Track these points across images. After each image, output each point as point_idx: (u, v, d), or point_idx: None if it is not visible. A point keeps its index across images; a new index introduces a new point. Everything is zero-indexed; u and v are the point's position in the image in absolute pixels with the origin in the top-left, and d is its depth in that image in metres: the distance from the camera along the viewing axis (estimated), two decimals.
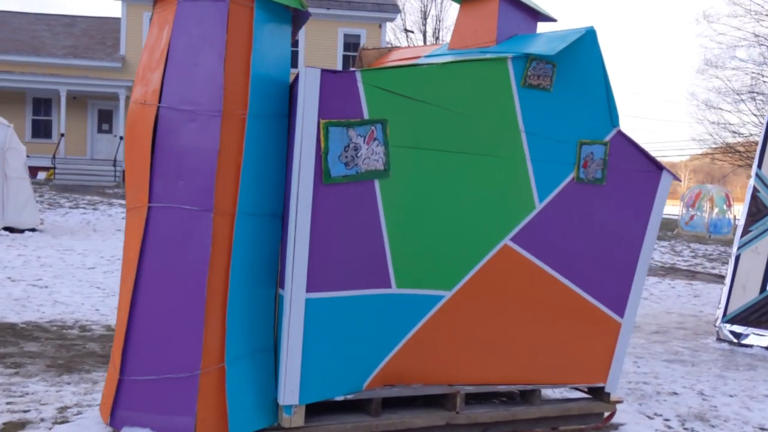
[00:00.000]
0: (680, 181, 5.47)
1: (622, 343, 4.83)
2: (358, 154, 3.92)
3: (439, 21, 46.95)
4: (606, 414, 4.90)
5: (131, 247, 3.80)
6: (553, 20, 5.01)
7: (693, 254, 19.86)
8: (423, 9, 47.37)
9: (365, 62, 5.57)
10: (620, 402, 4.91)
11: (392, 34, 44.83)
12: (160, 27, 3.88)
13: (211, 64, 3.70)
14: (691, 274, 15.82)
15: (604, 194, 4.62)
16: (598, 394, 4.90)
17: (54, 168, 26.08)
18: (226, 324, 3.69)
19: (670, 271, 16.14)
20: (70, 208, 19.03)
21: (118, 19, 31.43)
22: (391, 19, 34.06)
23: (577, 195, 4.55)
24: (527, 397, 4.64)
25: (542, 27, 4.84)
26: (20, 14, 32.36)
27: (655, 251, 19.54)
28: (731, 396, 5.96)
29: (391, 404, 4.32)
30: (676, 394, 5.93)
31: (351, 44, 34.16)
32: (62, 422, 4.18)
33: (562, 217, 4.53)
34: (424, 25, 46.86)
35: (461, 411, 4.36)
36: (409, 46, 5.52)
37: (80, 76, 27.83)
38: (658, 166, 4.76)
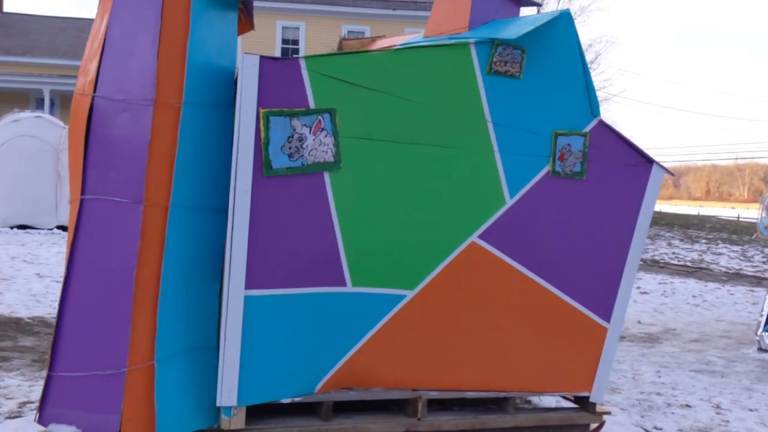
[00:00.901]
0: (673, 175, 5.05)
1: (608, 349, 4.47)
2: (304, 145, 3.74)
3: None
4: (593, 426, 4.56)
5: (69, 240, 3.71)
6: (537, 5, 4.71)
7: (765, 259, 18.82)
8: None
9: None
10: (607, 413, 4.55)
11: None
12: (101, 16, 3.78)
13: (145, 52, 3.58)
14: (756, 281, 14.95)
15: (584, 190, 4.29)
16: (583, 404, 4.56)
17: None
18: (157, 320, 3.56)
19: (733, 277, 15.30)
20: None
21: None
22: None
23: (554, 190, 4.24)
24: (501, 404, 4.35)
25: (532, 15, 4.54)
26: (86, 20, 33.34)
27: (721, 256, 18.63)
28: (750, 410, 5.50)
29: (350, 409, 4.12)
30: (688, 406, 5.50)
31: None
32: (15, 417, 4.14)
33: (537, 213, 4.23)
34: None
35: (423, 417, 4.11)
36: (394, 35, 5.29)
37: None
38: (647, 160, 4.39)
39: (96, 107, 3.61)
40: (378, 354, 4.10)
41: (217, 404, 3.66)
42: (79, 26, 31.62)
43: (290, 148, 3.71)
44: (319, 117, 3.76)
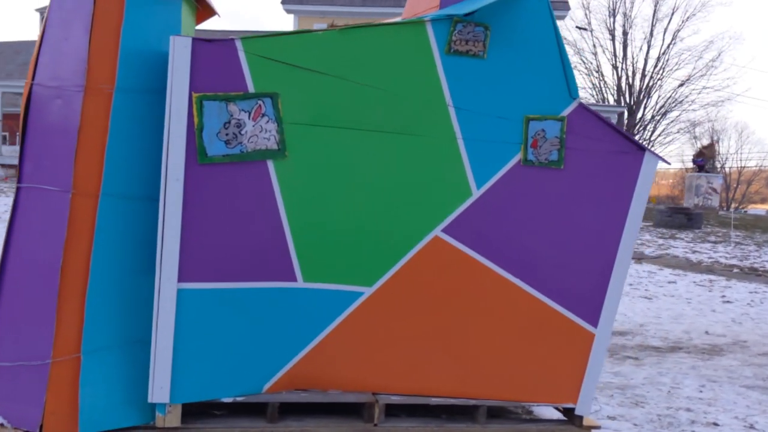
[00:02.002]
0: (669, 164, 4.54)
1: (596, 357, 4.05)
2: (242, 132, 3.56)
3: (627, 18, 44.74)
4: None
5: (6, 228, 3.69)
6: None
7: None
8: (611, 6, 45.35)
9: None
10: (597, 427, 4.12)
11: (563, 32, 43.24)
12: (50, 6, 3.74)
13: (78, 38, 3.51)
14: None
15: (563, 180, 3.90)
16: (570, 416, 4.14)
17: None
18: (85, 312, 3.46)
19: None
20: None
21: None
22: (561, 17, 32.79)
23: (527, 180, 3.88)
24: (471, 413, 4.01)
25: None
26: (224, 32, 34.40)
27: None
28: None
29: (305, 411, 3.90)
30: (715, 425, 4.95)
31: None
32: None
33: (509, 206, 3.88)
34: (613, 22, 44.81)
35: (380, 424, 3.84)
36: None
37: None
38: (638, 147, 3.95)
39: (33, 95, 3.57)
40: (335, 354, 3.86)
41: (149, 400, 3.53)
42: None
43: (227, 134, 3.54)
44: (259, 102, 3.57)
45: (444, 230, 3.85)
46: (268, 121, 3.60)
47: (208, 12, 4.16)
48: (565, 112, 3.85)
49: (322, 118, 3.67)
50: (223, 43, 3.52)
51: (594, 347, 4.04)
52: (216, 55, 3.51)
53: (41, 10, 31.43)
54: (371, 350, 3.90)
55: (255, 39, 3.57)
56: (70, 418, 3.44)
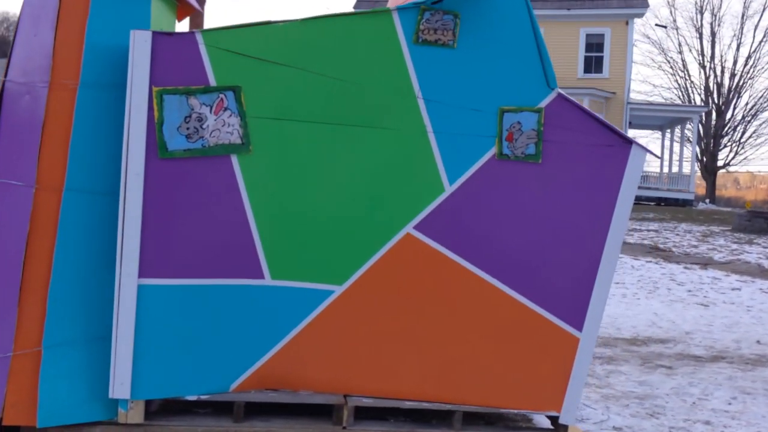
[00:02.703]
0: (658, 157, 4.23)
1: (581, 362, 3.83)
2: (204, 126, 3.52)
3: (715, 15, 43.22)
4: None
5: None
6: None
7: None
8: (699, 3, 43.90)
9: None
10: None
11: (641, 31, 42.09)
12: (23, 1, 3.80)
13: (45, 33, 3.55)
14: None
15: (542, 175, 3.71)
16: (556, 425, 3.93)
17: None
18: (47, 306, 3.48)
19: None
20: None
21: None
22: (640, 15, 31.93)
23: (503, 175, 3.70)
24: (446, 418, 3.85)
25: None
26: None
27: None
28: None
29: (274, 411, 3.82)
30: None
31: (594, 44, 32.52)
32: None
33: (484, 202, 3.71)
34: (700, 19, 43.35)
35: (349, 426, 3.72)
36: None
37: None
38: (625, 140, 3.72)
39: (5, 91, 3.62)
40: (305, 354, 3.78)
41: (109, 396, 3.52)
42: None
43: (188, 128, 3.51)
44: (221, 95, 3.53)
45: (416, 227, 3.71)
46: (230, 115, 3.55)
47: (189, 9, 4.15)
48: (543, 104, 3.66)
49: (288, 111, 3.60)
50: (184, 36, 3.50)
51: (579, 352, 3.82)
52: (176, 48, 3.49)
53: None
54: (343, 350, 3.79)
55: (216, 31, 3.53)
56: (31, 410, 3.46)
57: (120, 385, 3.52)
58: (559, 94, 3.66)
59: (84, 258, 3.56)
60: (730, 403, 5.52)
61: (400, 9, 3.56)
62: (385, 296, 3.76)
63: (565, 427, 3.87)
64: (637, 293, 10.87)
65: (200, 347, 3.64)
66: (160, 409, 3.70)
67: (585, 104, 29.95)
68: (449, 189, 3.69)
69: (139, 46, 3.44)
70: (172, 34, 3.49)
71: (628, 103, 32.23)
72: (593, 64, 32.74)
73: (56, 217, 3.51)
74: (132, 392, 3.53)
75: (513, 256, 3.75)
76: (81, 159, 3.53)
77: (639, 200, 27.00)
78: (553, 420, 3.93)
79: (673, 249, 16.38)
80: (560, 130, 3.67)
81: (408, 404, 3.80)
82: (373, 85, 3.61)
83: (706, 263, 14.15)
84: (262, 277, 3.69)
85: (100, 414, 3.59)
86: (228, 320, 3.67)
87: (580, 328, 3.80)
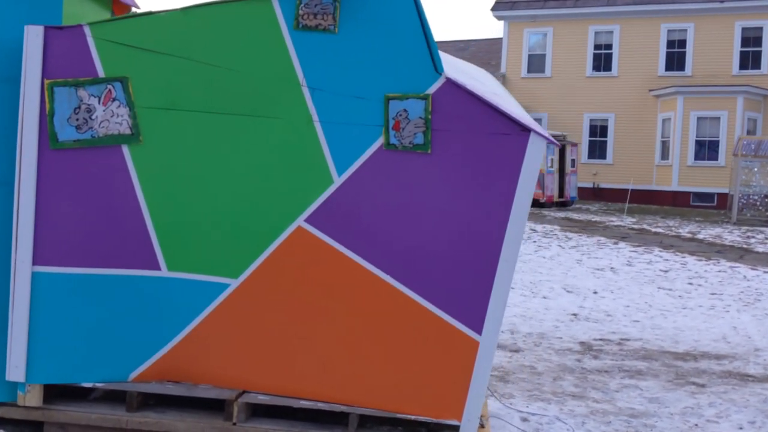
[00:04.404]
0: (558, 145, 3.76)
1: (481, 368, 3.54)
2: (93, 117, 3.60)
3: None
4: None
5: None
6: None
7: None
8: None
9: None
10: None
11: None
12: None
13: None
14: None
15: (431, 166, 3.48)
16: None
17: None
18: None
19: None
20: None
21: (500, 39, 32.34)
22: None
23: (391, 166, 3.51)
24: (342, 420, 3.68)
25: None
26: None
27: None
28: None
29: (173, 403, 3.81)
30: None
31: (750, 39, 30.20)
32: None
33: (373, 195, 3.54)
34: None
35: (239, 423, 3.66)
36: None
37: None
38: (522, 128, 3.40)
39: None
40: (204, 347, 3.77)
41: (6, 378, 3.66)
42: None
43: (77, 119, 3.60)
44: (109, 86, 3.59)
45: (307, 220, 3.60)
46: (119, 106, 3.60)
47: (125, 7, 4.24)
48: (430, 90, 3.43)
49: (175, 101, 3.60)
50: (73, 29, 3.58)
51: (479, 357, 3.53)
52: (66, 41, 3.58)
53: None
54: (240, 345, 3.74)
55: (102, 24, 3.59)
56: None
57: (15, 368, 3.65)
58: (448, 80, 3.41)
59: None
60: (741, 427, 4.91)
61: None
62: (280, 291, 3.67)
63: None
64: (730, 305, 9.94)
65: (98, 336, 3.71)
66: (59, 394, 3.79)
67: (739, 103, 27.95)
68: (338, 180, 3.54)
69: (32, 40, 3.56)
70: (63, 28, 3.58)
71: None
72: (750, 60, 30.43)
73: None
74: (27, 376, 3.66)
75: (406, 253, 3.54)
76: None
77: None
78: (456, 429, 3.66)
79: None
80: (450, 118, 3.43)
81: (303, 404, 3.69)
82: (256, 73, 3.53)
83: None
84: (158, 268, 3.71)
85: (3, 395, 3.74)
86: (125, 310, 3.72)
87: (479, 330, 3.52)
